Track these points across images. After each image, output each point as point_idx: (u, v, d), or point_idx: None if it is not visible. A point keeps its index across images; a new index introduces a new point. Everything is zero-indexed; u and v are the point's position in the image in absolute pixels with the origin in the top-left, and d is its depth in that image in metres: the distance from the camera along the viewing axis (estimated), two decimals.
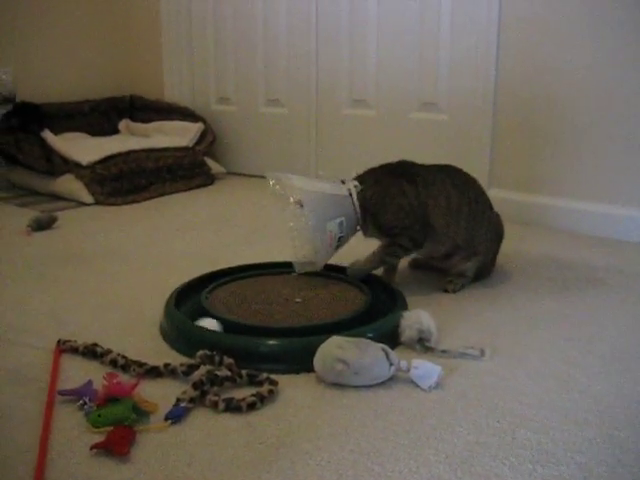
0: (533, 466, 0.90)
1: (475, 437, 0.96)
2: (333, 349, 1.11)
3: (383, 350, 1.11)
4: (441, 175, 1.55)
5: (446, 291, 1.56)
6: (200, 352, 1.13)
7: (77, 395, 1.04)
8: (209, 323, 1.26)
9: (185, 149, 2.77)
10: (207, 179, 2.78)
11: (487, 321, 1.40)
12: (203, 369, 1.11)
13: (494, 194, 2.13)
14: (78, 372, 1.14)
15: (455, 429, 0.99)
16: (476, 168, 2.17)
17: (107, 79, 3.21)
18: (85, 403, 1.02)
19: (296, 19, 2.70)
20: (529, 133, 2.15)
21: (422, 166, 1.57)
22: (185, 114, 2.95)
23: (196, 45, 3.06)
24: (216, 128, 2.96)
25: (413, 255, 1.62)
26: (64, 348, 1.22)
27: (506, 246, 1.67)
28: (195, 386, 1.04)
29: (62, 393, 1.05)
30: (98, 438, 0.93)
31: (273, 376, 1.10)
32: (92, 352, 1.19)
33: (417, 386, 1.10)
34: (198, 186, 2.72)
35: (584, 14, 1.97)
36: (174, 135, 2.84)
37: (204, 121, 2.91)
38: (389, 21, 2.44)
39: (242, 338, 1.21)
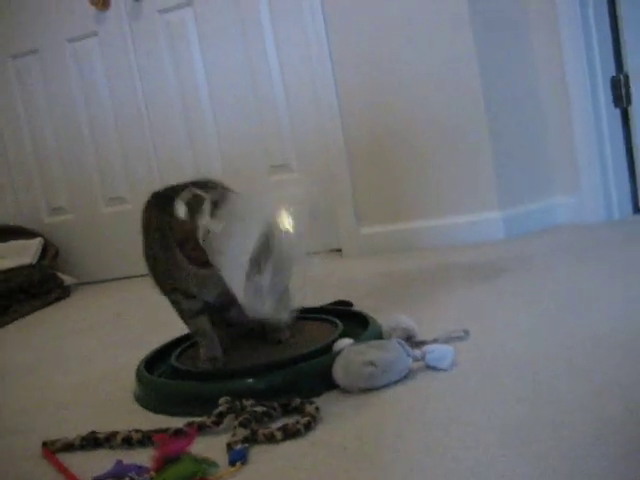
0: (591, 380, 0.97)
1: (524, 390, 1.01)
2: (355, 356, 1.11)
3: (399, 343, 1.13)
4: None
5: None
6: (222, 399, 1.06)
7: (117, 476, 0.92)
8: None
9: (30, 267, 2.57)
10: (63, 292, 2.60)
11: (443, 315, 1.46)
12: (230, 416, 1.04)
13: (364, 232, 2.30)
14: (88, 466, 1.00)
15: (500, 390, 1.02)
16: (345, 212, 2.32)
17: None
18: (133, 479, 0.90)
19: (125, 113, 2.69)
20: (383, 170, 2.30)
21: None
22: (19, 233, 2.76)
23: (13, 160, 2.89)
24: (56, 241, 2.79)
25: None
26: (55, 448, 1.06)
27: (389, 268, 1.84)
28: (243, 425, 0.98)
29: (98, 479, 0.92)
30: None
31: None
32: (93, 441, 1.05)
33: (435, 370, 1.13)
34: (55, 300, 2.53)
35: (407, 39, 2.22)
36: (14, 255, 2.62)
37: (42, 236, 2.74)
38: (223, 95, 2.53)
39: (243, 382, 1.15)
